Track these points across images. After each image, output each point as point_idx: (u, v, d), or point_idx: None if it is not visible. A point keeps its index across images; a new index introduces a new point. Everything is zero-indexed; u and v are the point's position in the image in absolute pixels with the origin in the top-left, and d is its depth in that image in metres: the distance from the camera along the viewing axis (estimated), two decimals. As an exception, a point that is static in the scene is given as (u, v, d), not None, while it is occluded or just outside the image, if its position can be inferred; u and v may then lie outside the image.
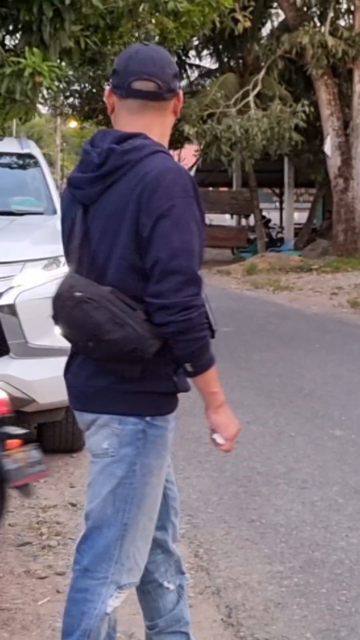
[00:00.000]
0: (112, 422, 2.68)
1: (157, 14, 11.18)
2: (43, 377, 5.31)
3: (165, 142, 2.77)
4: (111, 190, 2.66)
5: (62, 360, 5.41)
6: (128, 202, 2.62)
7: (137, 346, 2.57)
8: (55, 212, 6.54)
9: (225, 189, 34.00)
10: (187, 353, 2.60)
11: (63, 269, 5.56)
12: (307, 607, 3.79)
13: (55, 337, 5.40)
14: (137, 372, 2.63)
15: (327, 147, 23.12)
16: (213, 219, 29.64)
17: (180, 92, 2.80)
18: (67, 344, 6.09)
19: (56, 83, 8.85)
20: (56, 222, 6.38)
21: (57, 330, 5.54)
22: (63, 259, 5.55)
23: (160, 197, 2.58)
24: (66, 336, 2.78)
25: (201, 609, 3.77)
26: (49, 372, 5.31)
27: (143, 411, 2.67)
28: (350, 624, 3.65)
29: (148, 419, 2.68)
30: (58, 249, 5.68)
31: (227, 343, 10.32)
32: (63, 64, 10.33)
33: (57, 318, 2.76)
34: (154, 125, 2.74)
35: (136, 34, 11.10)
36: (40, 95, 12.23)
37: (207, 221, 28.98)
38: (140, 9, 10.65)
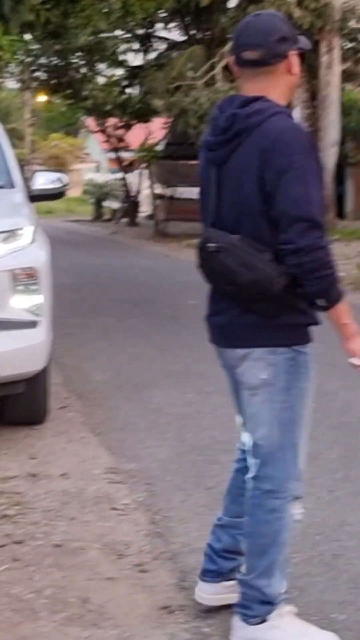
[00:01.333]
0: (266, 354, 3.05)
1: (119, -14, 11.17)
2: (1, 350, 5.34)
3: (285, 101, 3.11)
4: (238, 151, 3.01)
5: (20, 333, 5.49)
6: (253, 161, 2.95)
7: (265, 286, 2.93)
8: (14, 186, 6.51)
9: (195, 162, 33.78)
10: (318, 289, 2.95)
11: (22, 242, 5.61)
12: (259, 569, 3.87)
13: (13, 309, 5.45)
14: (272, 310, 3.01)
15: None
16: (183, 192, 29.56)
17: (291, 53, 3.05)
18: (24, 317, 6.13)
19: (17, 56, 8.84)
20: (15, 195, 6.39)
21: (14, 302, 5.59)
22: (21, 232, 5.64)
23: (281, 154, 2.92)
24: (211, 282, 3.14)
25: (156, 573, 3.85)
26: (7, 345, 5.36)
27: (290, 341, 3.07)
28: (301, 585, 3.75)
29: (295, 347, 3.07)
30: (17, 222, 5.76)
31: (194, 316, 10.34)
32: (27, 37, 10.30)
33: (200, 267, 3.11)
34: (270, 88, 3.06)
35: (98, 7, 11.08)
36: (3, 69, 12.18)
37: (177, 195, 28.85)
38: (102, -19, 10.63)
